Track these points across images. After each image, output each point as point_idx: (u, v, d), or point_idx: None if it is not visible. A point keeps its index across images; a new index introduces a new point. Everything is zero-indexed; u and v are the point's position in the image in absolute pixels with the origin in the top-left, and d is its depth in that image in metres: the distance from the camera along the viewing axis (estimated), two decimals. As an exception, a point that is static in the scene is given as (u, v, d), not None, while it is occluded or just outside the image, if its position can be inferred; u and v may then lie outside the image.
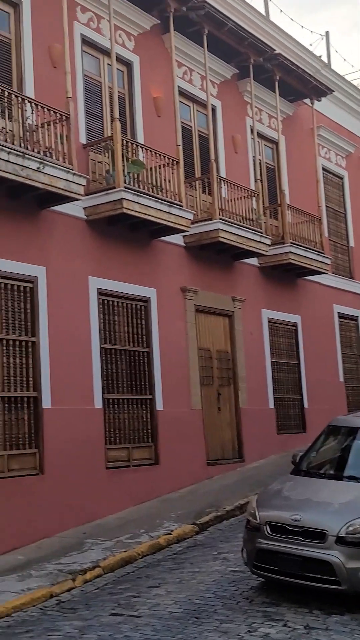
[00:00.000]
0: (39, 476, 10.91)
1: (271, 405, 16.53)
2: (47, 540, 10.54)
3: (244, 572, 8.31)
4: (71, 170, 10.99)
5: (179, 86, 14.28)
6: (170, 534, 10.52)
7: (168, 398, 13.50)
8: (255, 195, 15.55)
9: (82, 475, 11.49)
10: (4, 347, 10.78)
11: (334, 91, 19.03)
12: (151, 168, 12.87)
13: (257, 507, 7.78)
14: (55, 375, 11.33)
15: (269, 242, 15.59)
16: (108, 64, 13.15)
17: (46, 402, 11.17)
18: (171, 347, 13.77)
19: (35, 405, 11.09)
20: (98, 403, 12.11)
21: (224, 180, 14.91)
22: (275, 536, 7.40)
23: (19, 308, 11.08)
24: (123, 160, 12.10)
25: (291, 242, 16.41)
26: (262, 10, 18.24)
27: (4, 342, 10.78)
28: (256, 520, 7.63)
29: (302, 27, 38.72)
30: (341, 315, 19.95)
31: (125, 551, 9.74)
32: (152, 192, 12.67)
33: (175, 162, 13.26)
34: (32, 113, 10.84)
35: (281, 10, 32.71)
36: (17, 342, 10.96)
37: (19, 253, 11.05)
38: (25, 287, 11.16)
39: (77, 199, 11.39)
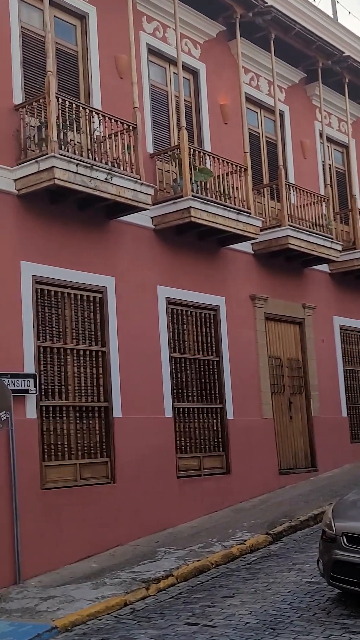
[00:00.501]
0: (111, 485, 10.94)
1: (344, 413, 16.22)
2: (120, 549, 10.56)
3: (320, 584, 8.13)
4: (139, 180, 11.03)
5: (245, 92, 14.22)
6: (244, 543, 10.39)
7: (239, 407, 13.38)
8: (325, 200, 15.33)
9: (154, 484, 11.47)
10: (75, 357, 10.87)
11: None
12: (219, 176, 12.83)
13: (333, 517, 7.60)
14: (125, 385, 11.37)
15: (339, 248, 15.34)
16: (174, 73, 13.18)
17: (117, 412, 11.21)
18: (241, 356, 13.64)
19: (106, 414, 11.13)
20: (168, 412, 12.09)
21: (292, 186, 14.76)
22: (352, 547, 7.21)
23: (89, 318, 11.16)
24: (190, 169, 12.10)
25: (363, 248, 16.12)
26: (330, 13, 18.07)
27: (75, 352, 10.87)
28: (332, 531, 7.45)
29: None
30: None
31: (198, 560, 9.66)
32: (220, 200, 12.62)
33: (243, 169, 13.18)
34: (100, 124, 10.94)
35: (349, 12, 32.41)
36: (88, 352, 11.03)
37: (88, 264, 11.14)
38: (94, 297, 11.24)
39: (145, 209, 11.43)
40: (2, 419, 9.33)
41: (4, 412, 9.35)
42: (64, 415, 10.63)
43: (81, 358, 10.94)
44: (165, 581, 8.98)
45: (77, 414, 10.79)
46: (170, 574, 9.17)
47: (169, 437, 12.00)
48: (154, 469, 11.54)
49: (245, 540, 10.51)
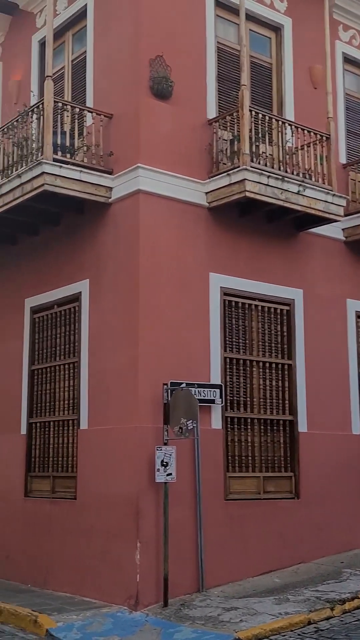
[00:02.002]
0: (295, 500, 10.78)
1: None
2: (303, 566, 10.36)
3: None
4: (331, 192, 10.85)
5: None
6: None
7: None
8: None
9: (339, 502, 11.17)
10: (261, 370, 10.84)
11: None
12: None
13: None
14: (311, 399, 11.17)
15: None
16: (369, 82, 12.88)
17: (302, 426, 11.04)
18: None
19: (291, 428, 11.00)
20: (356, 429, 11.74)
21: None
22: None
23: (275, 331, 11.09)
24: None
25: None
26: None
27: (262, 364, 10.84)
28: None
29: None
30: None
31: (385, 585, 9.28)
32: None
33: None
34: (292, 136, 10.87)
35: None
36: (274, 365, 10.96)
37: (276, 276, 11.09)
38: (282, 309, 11.16)
39: (336, 220, 11.21)
40: (189, 428, 9.47)
41: (191, 421, 9.48)
42: (249, 427, 10.62)
43: (267, 370, 10.89)
44: (351, 603, 8.69)
45: (262, 427, 10.74)
46: (356, 596, 8.86)
47: (357, 454, 11.64)
48: (339, 487, 11.25)
49: None
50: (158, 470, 9.25)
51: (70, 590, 10.00)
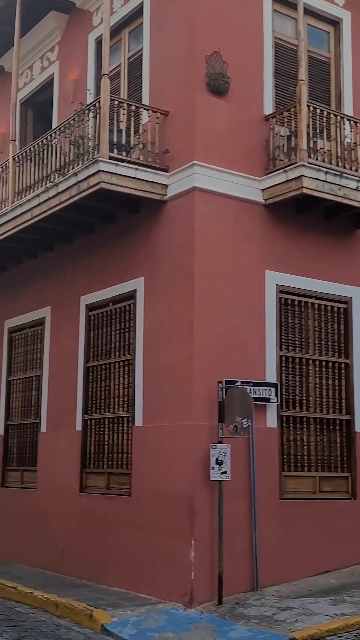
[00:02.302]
0: (352, 501, 10.63)
1: None
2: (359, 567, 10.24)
3: None
4: (390, 187, 10.66)
5: None
6: None
7: None
8: None
9: None
10: (317, 368, 10.71)
11: None
12: None
13: None
14: (369, 399, 11.01)
15: None
16: None
17: (359, 426, 10.88)
18: None
19: (348, 428, 10.85)
20: None
21: None
22: None
23: (332, 329, 10.95)
24: None
25: None
26: None
27: (317, 363, 10.72)
28: None
29: None
30: None
31: None
32: None
33: None
34: (351, 131, 10.72)
35: None
36: (331, 364, 10.83)
37: (333, 274, 10.94)
38: (339, 307, 11.01)
39: (395, 217, 11.03)
40: (244, 426, 9.41)
41: (246, 419, 9.42)
42: (304, 426, 10.51)
43: (323, 369, 10.75)
44: None
45: (318, 426, 10.62)
46: None
47: None
48: None
49: None
50: (213, 468, 9.22)
51: (125, 586, 10.05)
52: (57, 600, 9.40)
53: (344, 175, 10.22)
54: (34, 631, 8.40)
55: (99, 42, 12.12)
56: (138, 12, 11.45)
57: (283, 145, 10.42)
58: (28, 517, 12.59)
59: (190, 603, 8.99)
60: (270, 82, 10.77)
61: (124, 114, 10.47)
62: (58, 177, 10.93)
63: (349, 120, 10.76)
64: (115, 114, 10.37)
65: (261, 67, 10.71)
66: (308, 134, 10.06)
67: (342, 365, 10.94)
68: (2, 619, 9.03)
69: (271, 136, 10.47)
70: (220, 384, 9.56)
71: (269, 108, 10.66)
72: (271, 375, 10.16)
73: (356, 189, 10.29)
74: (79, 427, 11.63)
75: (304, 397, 10.55)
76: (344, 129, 10.68)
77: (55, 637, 8.14)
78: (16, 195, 12.17)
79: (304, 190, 9.90)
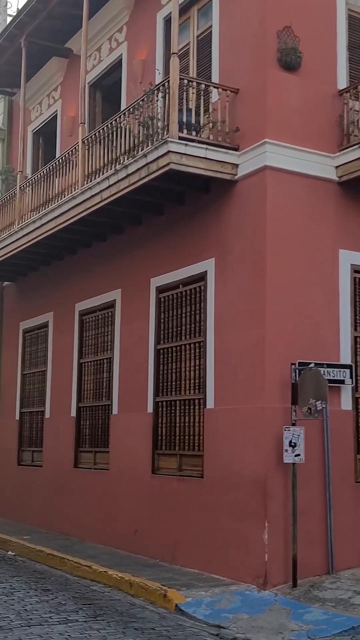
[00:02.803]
0: None
1: None
2: None
3: None
4: None
5: None
6: None
7: None
8: None
9: None
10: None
11: None
12: None
13: None
14: None
15: None
16: None
17: None
18: None
19: None
20: None
21: None
22: None
23: None
24: None
25: None
26: None
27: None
28: None
29: None
30: None
31: None
32: None
33: None
34: None
35: None
36: None
37: None
38: None
39: None
40: (318, 409, 9.27)
41: (320, 401, 9.27)
42: (380, 408, 10.30)
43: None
44: None
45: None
46: None
47: None
48: None
49: None
50: (286, 451, 9.12)
51: (198, 567, 10.06)
52: (131, 579, 9.48)
53: None
54: (109, 609, 8.49)
55: (167, 21, 12.01)
56: (207, -12, 11.30)
57: (358, 120, 10.15)
58: (101, 497, 12.73)
59: (264, 585, 8.94)
60: (344, 56, 10.49)
61: (193, 93, 10.36)
62: (127, 159, 10.90)
63: None
64: (184, 93, 10.26)
65: (334, 40, 10.43)
66: (383, 108, 9.79)
67: None
68: (78, 597, 9.16)
69: (345, 111, 10.21)
70: (293, 366, 9.43)
71: (342, 82, 10.39)
72: (345, 357, 9.97)
73: None
74: (150, 409, 11.66)
75: (379, 379, 10.32)
76: None
77: (129, 616, 8.21)
78: (86, 179, 12.21)
79: (380, 167, 9.65)
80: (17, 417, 16.51)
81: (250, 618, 8.00)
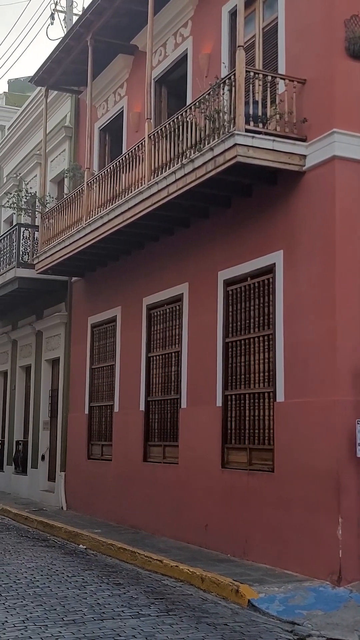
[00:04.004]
0: None
1: None
2: None
3: None
4: None
5: None
6: None
7: None
8: None
9: None
10: None
11: None
12: None
13: None
14: None
15: None
16: None
17: None
18: None
19: None
20: None
21: None
22: None
23: None
24: None
25: None
26: None
27: None
28: None
29: None
30: None
31: None
32: None
33: None
34: None
35: None
36: None
37: None
38: None
39: None
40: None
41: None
42: None
43: None
44: None
45: None
46: None
47: None
48: None
49: None
50: (359, 444, 8.97)
51: (270, 562, 10.01)
52: (203, 574, 9.48)
53: None
54: (181, 604, 8.50)
55: (232, 14, 11.94)
56: (272, -21, 11.18)
57: None
58: (171, 491, 12.78)
59: (339, 581, 8.83)
60: None
61: (259, 85, 10.26)
62: (194, 153, 10.89)
63: None
64: (250, 85, 10.18)
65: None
66: None
67: None
68: (149, 591, 9.20)
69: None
70: (365, 359, 9.28)
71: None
72: None
73: None
74: (219, 402, 11.64)
75: None
76: None
77: (202, 611, 8.20)
78: (152, 173, 12.25)
79: None
80: (87, 411, 16.71)
81: (325, 615, 7.91)
